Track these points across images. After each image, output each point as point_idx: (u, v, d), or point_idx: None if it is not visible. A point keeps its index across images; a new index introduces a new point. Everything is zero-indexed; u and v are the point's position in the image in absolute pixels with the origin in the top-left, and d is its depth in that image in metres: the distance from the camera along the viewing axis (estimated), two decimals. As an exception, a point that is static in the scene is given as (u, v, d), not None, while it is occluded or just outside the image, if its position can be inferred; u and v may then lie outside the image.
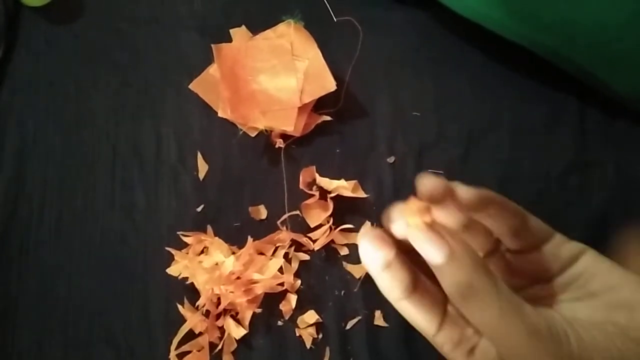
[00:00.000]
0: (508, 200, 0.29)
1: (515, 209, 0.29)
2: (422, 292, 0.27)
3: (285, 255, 0.51)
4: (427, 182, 0.26)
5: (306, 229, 0.52)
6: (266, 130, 0.53)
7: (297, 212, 0.52)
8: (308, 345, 0.50)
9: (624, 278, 0.29)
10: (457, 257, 0.24)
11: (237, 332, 0.49)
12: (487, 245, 0.32)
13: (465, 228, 0.30)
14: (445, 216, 0.27)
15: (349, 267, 0.52)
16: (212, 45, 0.53)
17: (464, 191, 0.27)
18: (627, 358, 0.25)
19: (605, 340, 0.26)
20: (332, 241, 0.52)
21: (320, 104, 0.54)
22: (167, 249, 0.51)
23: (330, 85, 0.53)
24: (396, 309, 0.27)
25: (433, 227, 0.25)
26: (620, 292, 0.28)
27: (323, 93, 0.53)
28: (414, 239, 0.25)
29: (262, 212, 0.53)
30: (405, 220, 0.26)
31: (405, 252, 0.27)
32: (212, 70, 0.54)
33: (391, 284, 0.27)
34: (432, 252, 0.24)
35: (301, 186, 0.52)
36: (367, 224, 0.28)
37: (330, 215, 0.52)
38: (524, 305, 0.25)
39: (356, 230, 0.52)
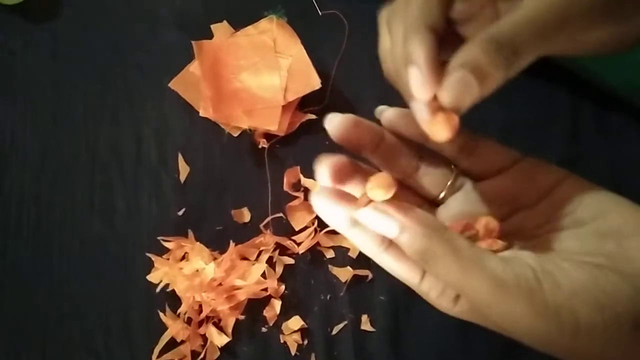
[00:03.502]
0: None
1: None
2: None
3: (270, 259, 0.50)
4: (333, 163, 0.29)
5: (291, 232, 0.51)
6: (249, 130, 0.52)
7: (281, 214, 0.51)
8: (293, 351, 0.49)
9: (614, 203, 0.28)
10: (408, 229, 0.25)
11: (220, 339, 0.48)
12: (448, 178, 0.32)
13: (421, 160, 0.31)
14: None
15: (335, 270, 0.50)
16: (193, 42, 0.51)
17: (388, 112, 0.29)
18: (615, 300, 0.24)
19: (589, 282, 0.24)
20: (318, 244, 0.50)
21: (305, 102, 0.53)
22: (148, 254, 0.50)
23: (315, 82, 0.51)
24: (376, 262, 0.28)
25: (380, 206, 0.25)
26: (610, 218, 0.27)
27: (308, 91, 0.51)
28: (366, 222, 0.26)
29: (246, 215, 0.52)
30: (353, 206, 0.26)
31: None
32: (193, 67, 0.52)
33: (363, 240, 0.26)
34: (385, 229, 0.25)
35: (285, 187, 0.51)
36: (321, 172, 0.28)
37: (315, 218, 0.50)
38: (487, 259, 0.25)
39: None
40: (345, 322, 0.49)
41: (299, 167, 0.51)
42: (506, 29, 0.25)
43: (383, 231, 0.25)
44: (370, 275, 0.50)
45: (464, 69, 0.25)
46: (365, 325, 0.49)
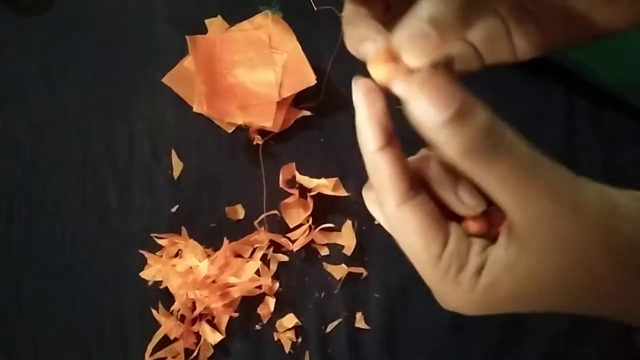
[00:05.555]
0: None
1: None
2: (424, 197, 0.23)
3: (264, 257, 0.49)
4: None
5: (285, 229, 0.50)
6: (244, 126, 0.51)
7: (276, 211, 0.50)
8: (287, 349, 0.48)
9: None
10: (472, 106, 0.20)
11: (213, 337, 0.47)
12: None
13: None
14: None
15: (330, 267, 0.50)
16: (187, 37, 0.51)
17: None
18: None
19: None
20: (312, 241, 0.50)
21: (300, 98, 0.52)
22: (141, 251, 0.49)
23: (310, 79, 0.51)
24: (392, 222, 0.23)
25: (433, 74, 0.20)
26: None
27: (303, 87, 0.51)
28: (412, 94, 0.20)
29: (240, 212, 0.51)
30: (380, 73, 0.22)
31: None
32: (187, 62, 0.52)
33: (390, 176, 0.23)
34: (437, 106, 0.20)
35: (281, 184, 0.50)
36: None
37: (310, 215, 0.50)
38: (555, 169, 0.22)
39: (337, 229, 0.50)
40: (340, 320, 0.49)
41: (294, 164, 0.51)
42: None
43: (433, 109, 0.20)
44: (365, 273, 0.50)
45: (420, 20, 0.22)
46: (360, 322, 0.49)
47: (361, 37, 0.24)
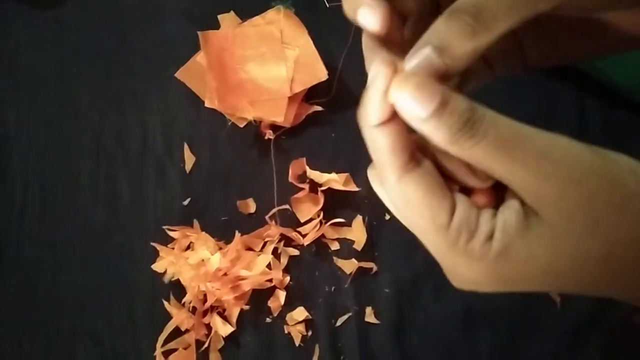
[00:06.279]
0: None
1: None
2: (426, 168, 0.23)
3: (275, 251, 0.50)
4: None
5: (296, 223, 0.51)
6: (255, 121, 0.52)
7: (287, 206, 0.51)
8: (297, 342, 0.49)
9: None
10: (451, 97, 0.21)
11: (224, 329, 0.48)
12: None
13: None
14: None
15: (340, 262, 0.50)
16: (199, 33, 0.51)
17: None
18: None
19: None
20: (323, 236, 0.50)
21: (312, 94, 0.53)
22: (153, 244, 0.50)
23: (322, 74, 0.51)
24: (394, 197, 0.23)
25: (415, 79, 0.21)
26: None
27: (314, 82, 0.51)
28: (397, 93, 0.21)
29: (251, 206, 0.52)
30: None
31: None
32: (199, 58, 0.52)
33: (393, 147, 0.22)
34: (420, 103, 0.21)
35: (290, 179, 0.50)
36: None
37: (320, 209, 0.50)
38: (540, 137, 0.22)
39: (347, 224, 0.51)
40: (350, 314, 0.49)
41: (304, 159, 0.51)
42: None
43: (414, 110, 0.21)
44: (375, 268, 0.50)
45: (425, 45, 0.22)
46: (370, 317, 0.49)
47: (360, 1, 0.24)
